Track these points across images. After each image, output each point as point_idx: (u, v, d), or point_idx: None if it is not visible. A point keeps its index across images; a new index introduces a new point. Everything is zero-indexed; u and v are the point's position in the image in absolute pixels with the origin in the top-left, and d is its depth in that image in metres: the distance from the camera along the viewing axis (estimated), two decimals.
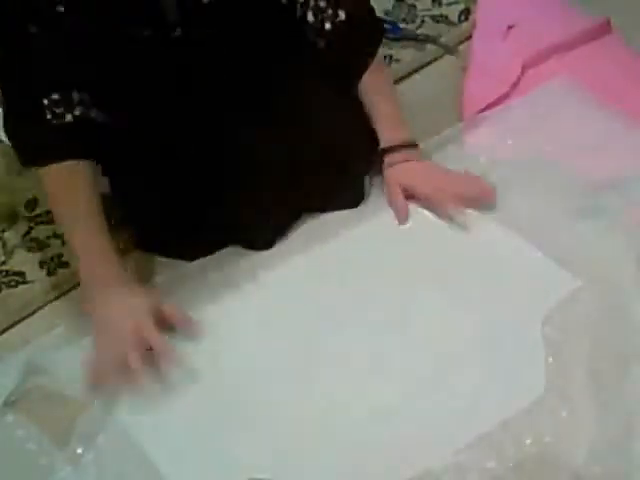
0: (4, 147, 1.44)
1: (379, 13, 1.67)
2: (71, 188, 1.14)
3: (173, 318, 1.13)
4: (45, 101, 1.10)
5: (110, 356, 1.07)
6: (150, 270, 1.27)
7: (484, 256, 1.24)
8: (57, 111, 1.11)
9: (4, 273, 1.26)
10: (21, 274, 1.26)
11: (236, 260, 1.26)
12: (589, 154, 1.38)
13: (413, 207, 1.30)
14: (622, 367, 1.09)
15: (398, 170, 1.28)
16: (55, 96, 1.10)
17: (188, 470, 1.03)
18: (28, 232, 1.31)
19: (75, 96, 1.12)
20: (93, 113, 1.14)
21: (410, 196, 1.29)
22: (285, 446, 1.04)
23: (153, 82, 1.14)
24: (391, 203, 1.29)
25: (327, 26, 1.22)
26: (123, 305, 1.11)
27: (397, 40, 1.54)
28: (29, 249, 1.29)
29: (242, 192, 1.21)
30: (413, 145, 1.30)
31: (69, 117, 1.11)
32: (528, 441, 1.02)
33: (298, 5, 1.22)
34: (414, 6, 1.70)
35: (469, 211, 1.29)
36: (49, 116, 1.10)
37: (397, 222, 1.28)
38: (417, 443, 1.03)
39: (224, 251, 1.27)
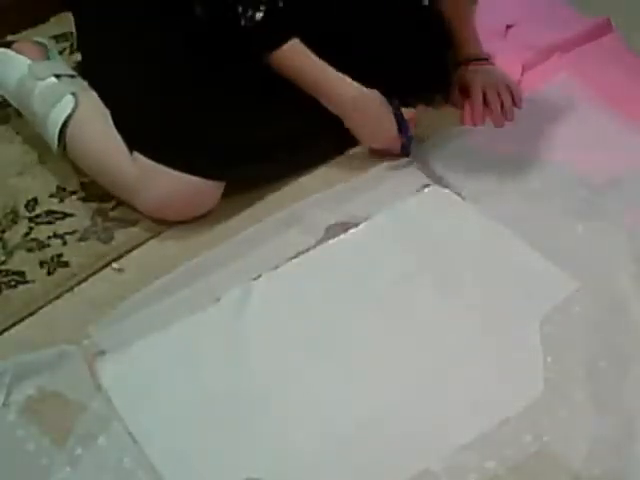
0: (5, 148, 1.44)
1: None
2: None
3: None
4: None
5: None
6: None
7: (484, 257, 1.24)
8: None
9: (4, 273, 1.25)
10: (21, 274, 1.25)
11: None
12: (589, 154, 1.38)
13: (415, 209, 1.31)
14: (622, 367, 1.09)
15: (480, 74, 1.48)
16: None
17: (187, 470, 1.03)
18: (28, 232, 1.31)
19: None
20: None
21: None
22: (285, 446, 1.04)
23: None
24: (472, 102, 1.47)
25: None
26: None
27: None
28: (29, 249, 1.29)
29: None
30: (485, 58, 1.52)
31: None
32: (528, 441, 1.02)
33: None
34: None
35: (469, 212, 1.30)
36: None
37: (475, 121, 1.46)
38: (417, 443, 1.03)
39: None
